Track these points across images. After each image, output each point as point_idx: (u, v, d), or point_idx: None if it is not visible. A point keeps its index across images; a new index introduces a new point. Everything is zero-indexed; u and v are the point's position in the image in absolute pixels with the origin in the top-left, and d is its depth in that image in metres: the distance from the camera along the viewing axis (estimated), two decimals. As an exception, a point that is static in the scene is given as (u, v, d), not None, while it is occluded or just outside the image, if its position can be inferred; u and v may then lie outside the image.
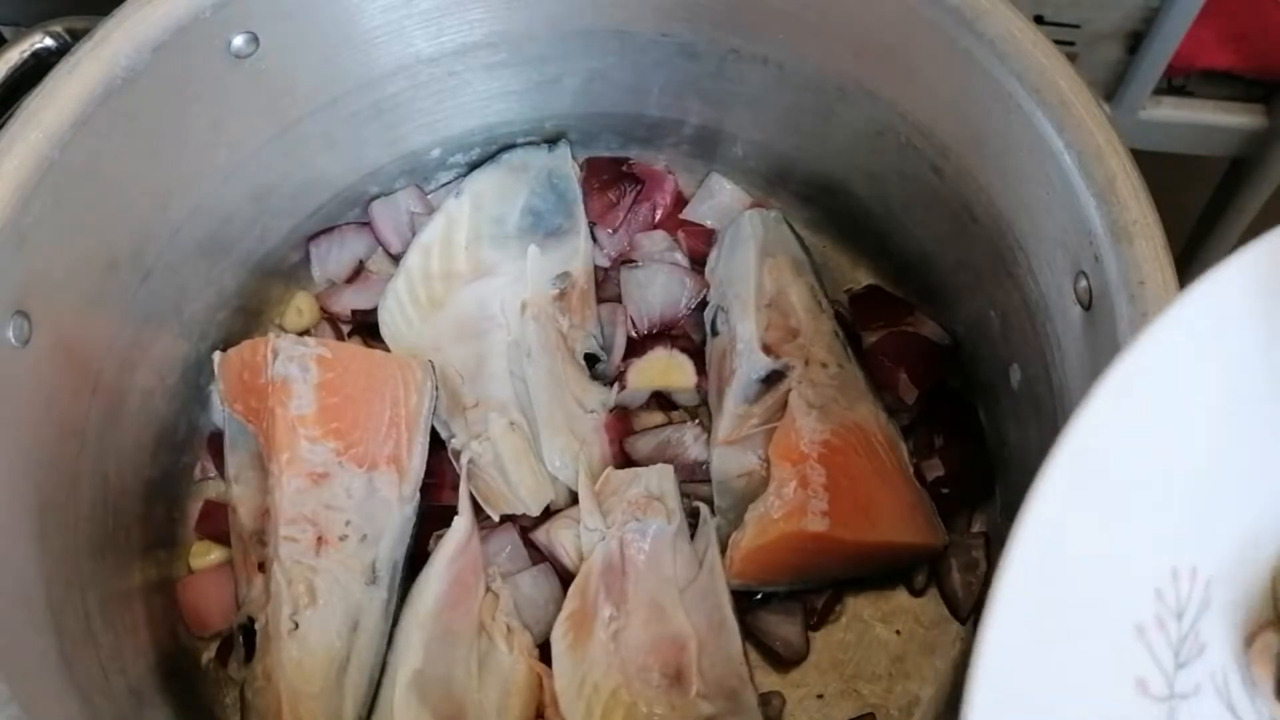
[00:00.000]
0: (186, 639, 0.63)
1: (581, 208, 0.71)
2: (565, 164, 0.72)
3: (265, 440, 0.62)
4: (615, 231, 0.73)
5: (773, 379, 0.65)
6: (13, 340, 0.50)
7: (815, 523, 0.61)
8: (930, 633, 0.64)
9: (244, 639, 0.61)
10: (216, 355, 0.64)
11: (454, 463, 0.64)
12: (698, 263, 0.72)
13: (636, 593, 0.61)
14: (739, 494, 0.65)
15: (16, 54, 0.56)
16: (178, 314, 0.63)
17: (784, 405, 0.65)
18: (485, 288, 0.69)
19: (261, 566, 0.61)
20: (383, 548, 0.61)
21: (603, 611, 0.61)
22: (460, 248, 0.70)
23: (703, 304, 0.70)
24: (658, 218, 0.73)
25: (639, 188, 0.73)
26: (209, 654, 0.63)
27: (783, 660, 0.63)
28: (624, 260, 0.72)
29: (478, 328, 0.68)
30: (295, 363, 0.62)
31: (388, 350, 0.68)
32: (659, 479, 0.64)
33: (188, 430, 0.66)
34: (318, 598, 0.59)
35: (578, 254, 0.70)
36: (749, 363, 0.65)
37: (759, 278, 0.67)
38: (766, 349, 0.65)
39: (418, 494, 0.63)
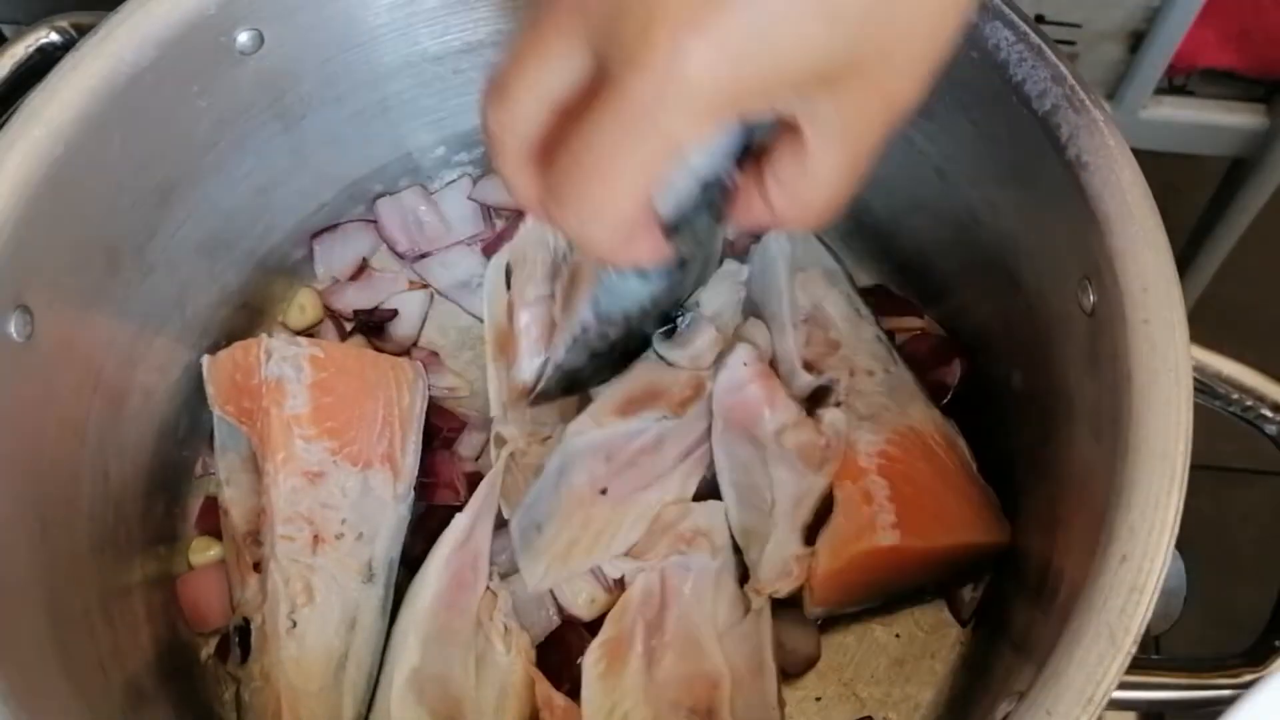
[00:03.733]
0: (186, 635, 0.63)
1: None
2: None
3: (259, 441, 0.62)
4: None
5: (819, 395, 0.64)
6: (14, 336, 0.50)
7: (886, 537, 0.59)
8: (930, 637, 0.63)
9: (239, 640, 0.61)
10: (205, 359, 0.64)
11: (490, 453, 0.63)
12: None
13: (674, 627, 0.60)
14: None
15: (21, 49, 0.56)
16: (180, 310, 0.63)
17: None
18: None
19: (256, 567, 0.61)
20: (379, 546, 0.61)
21: (638, 643, 0.59)
22: None
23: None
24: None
25: (640, 188, 0.73)
26: (208, 650, 0.63)
27: (793, 668, 0.62)
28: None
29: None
30: (289, 363, 0.62)
31: (391, 350, 0.68)
32: (708, 514, 0.62)
33: (189, 426, 0.66)
34: (315, 596, 0.59)
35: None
36: (792, 382, 0.63)
37: (791, 294, 0.65)
38: (808, 365, 0.64)
39: (412, 492, 0.63)
